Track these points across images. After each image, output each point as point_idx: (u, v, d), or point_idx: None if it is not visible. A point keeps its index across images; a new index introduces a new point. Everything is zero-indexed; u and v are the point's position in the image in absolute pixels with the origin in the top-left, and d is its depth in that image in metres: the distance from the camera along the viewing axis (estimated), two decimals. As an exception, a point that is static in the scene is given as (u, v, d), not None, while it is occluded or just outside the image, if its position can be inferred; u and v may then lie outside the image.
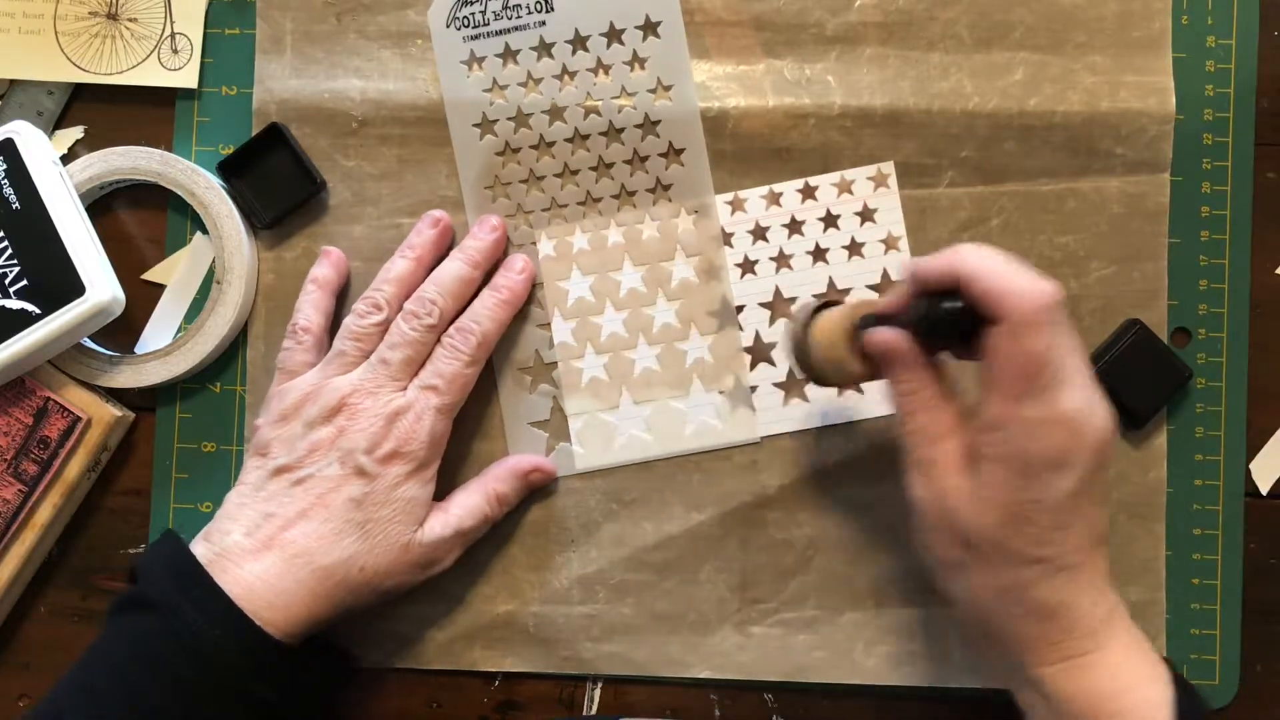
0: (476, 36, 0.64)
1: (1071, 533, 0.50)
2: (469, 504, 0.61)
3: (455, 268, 0.62)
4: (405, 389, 0.59)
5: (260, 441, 0.60)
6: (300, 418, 0.59)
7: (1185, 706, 0.50)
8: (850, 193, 0.64)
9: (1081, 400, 0.50)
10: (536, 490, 0.64)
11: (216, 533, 0.58)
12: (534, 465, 0.63)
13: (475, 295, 0.62)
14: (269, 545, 0.57)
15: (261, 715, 0.55)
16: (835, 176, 0.64)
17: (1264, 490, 0.65)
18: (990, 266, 0.51)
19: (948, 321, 0.52)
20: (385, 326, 0.60)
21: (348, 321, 0.60)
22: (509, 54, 0.64)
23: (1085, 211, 0.64)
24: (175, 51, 0.65)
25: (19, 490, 0.62)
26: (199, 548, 0.57)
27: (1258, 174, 0.65)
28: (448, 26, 0.64)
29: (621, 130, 0.64)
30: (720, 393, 0.64)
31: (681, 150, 0.64)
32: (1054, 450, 0.50)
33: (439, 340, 0.60)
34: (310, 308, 0.62)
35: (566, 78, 0.64)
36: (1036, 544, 0.50)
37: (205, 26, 0.66)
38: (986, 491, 0.51)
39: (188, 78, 0.65)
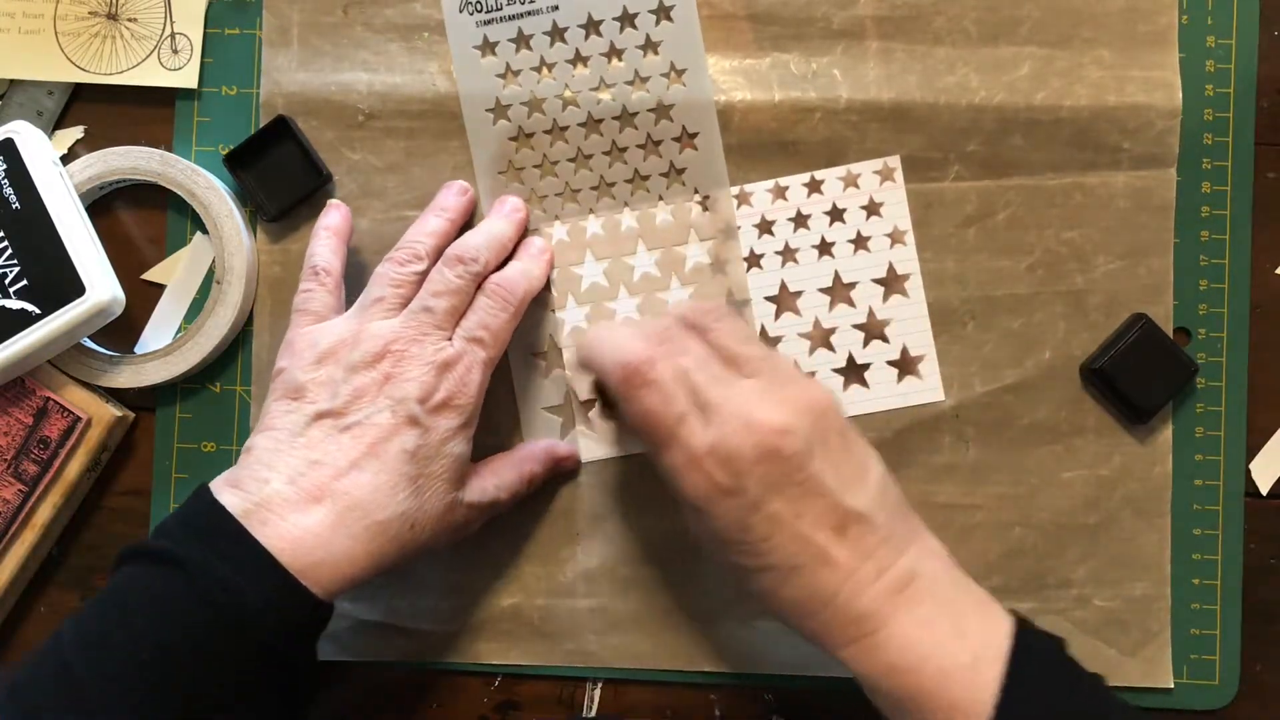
0: (489, 22, 0.64)
1: (781, 538, 0.52)
2: (506, 478, 0.61)
3: (498, 225, 0.62)
4: (451, 339, 0.58)
5: (291, 384, 0.57)
6: (340, 361, 0.56)
7: (1016, 662, 0.50)
8: (856, 186, 0.64)
9: (710, 436, 0.52)
10: (548, 480, 0.64)
11: (250, 480, 0.54)
12: (569, 453, 0.64)
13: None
14: (318, 496, 0.53)
15: (284, 672, 0.53)
16: (841, 170, 0.64)
17: (1264, 490, 0.65)
18: (590, 351, 0.57)
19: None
20: (423, 277, 0.59)
21: (384, 269, 0.59)
22: (522, 39, 0.64)
23: (1091, 206, 0.64)
24: (175, 51, 0.65)
25: (19, 490, 0.62)
26: (228, 497, 0.53)
27: (1258, 174, 0.65)
28: (461, 12, 0.64)
29: (635, 115, 0.64)
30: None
31: (695, 134, 0.64)
32: (701, 488, 0.53)
33: (478, 292, 0.59)
34: (328, 251, 0.61)
35: (580, 63, 0.64)
36: (751, 557, 0.53)
37: (205, 26, 0.66)
38: (695, 527, 0.55)
39: (188, 78, 0.65)
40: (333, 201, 0.63)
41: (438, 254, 0.60)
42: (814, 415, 0.53)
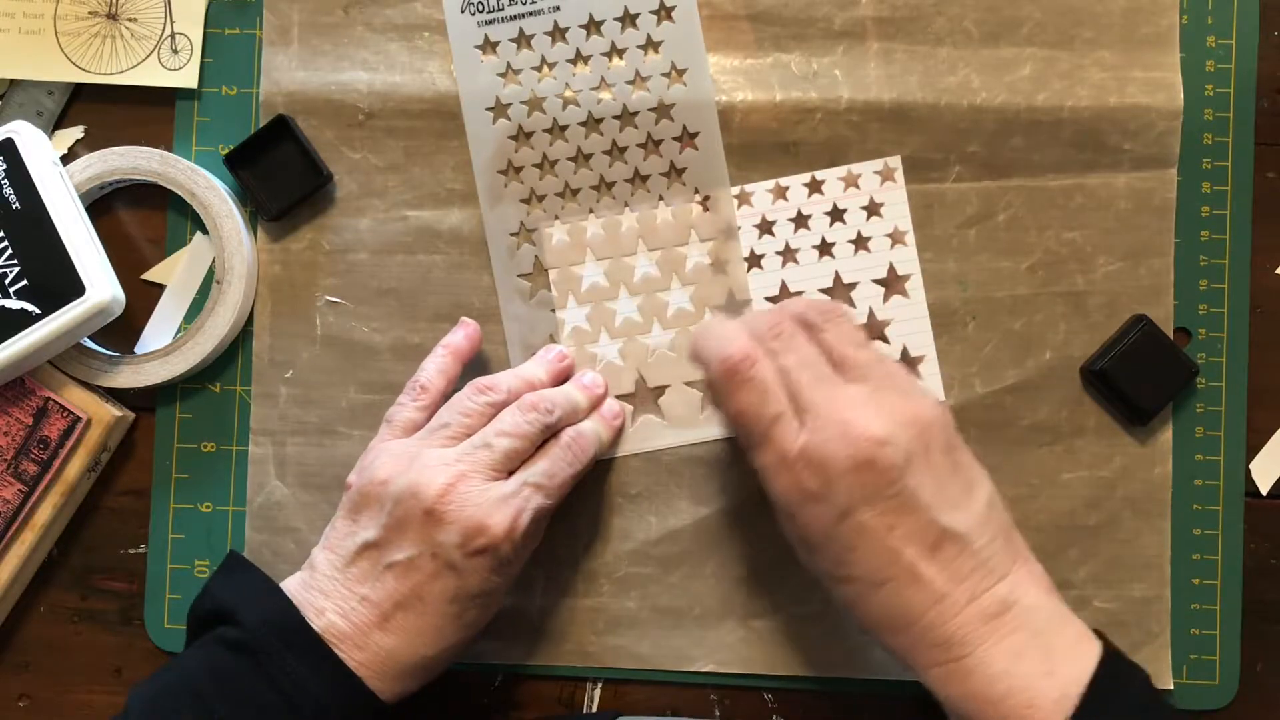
0: (490, 21, 0.64)
1: (867, 550, 0.51)
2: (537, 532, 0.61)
3: (578, 395, 0.61)
4: (504, 479, 0.57)
5: (351, 503, 0.57)
6: (390, 488, 0.56)
7: (1093, 702, 0.49)
8: (857, 187, 0.64)
9: (803, 439, 0.52)
10: None
11: (309, 607, 0.55)
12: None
13: None
14: (367, 633, 0.55)
15: None
16: (842, 171, 0.64)
17: (1264, 490, 0.65)
18: (697, 344, 0.56)
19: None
20: (497, 410, 0.59)
21: (461, 394, 0.59)
22: (523, 39, 0.64)
23: (1092, 207, 0.64)
24: (175, 51, 0.65)
25: (19, 490, 0.62)
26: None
27: (1258, 174, 0.65)
28: (462, 12, 0.64)
29: (635, 114, 0.64)
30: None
31: (695, 134, 0.64)
32: (790, 491, 0.52)
33: (546, 443, 0.59)
34: (435, 369, 0.61)
35: (580, 62, 0.64)
36: (836, 565, 0.53)
37: (205, 26, 0.66)
38: (784, 530, 0.55)
39: (188, 78, 0.65)
40: (465, 321, 0.64)
41: (519, 395, 0.59)
42: (918, 428, 0.52)
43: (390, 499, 0.56)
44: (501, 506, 0.55)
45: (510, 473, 0.57)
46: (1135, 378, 0.62)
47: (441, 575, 0.55)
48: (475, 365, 0.64)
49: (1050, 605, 0.52)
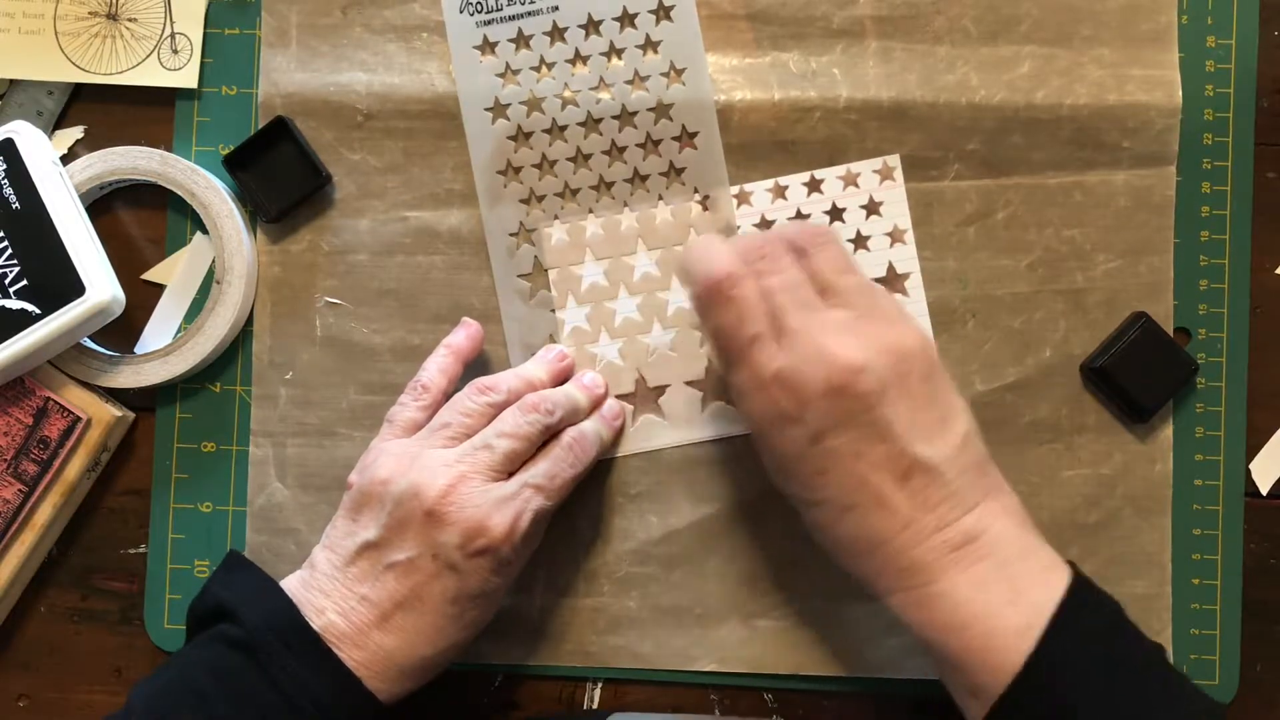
0: (489, 22, 0.64)
1: (837, 474, 0.52)
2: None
3: (579, 395, 0.61)
4: (505, 479, 0.57)
5: (352, 502, 0.58)
6: (390, 488, 0.56)
7: (1061, 627, 0.49)
8: (856, 186, 0.64)
9: (780, 360, 0.52)
10: None
11: (309, 606, 0.55)
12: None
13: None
14: (366, 633, 0.55)
15: None
16: (841, 169, 0.64)
17: (1264, 490, 0.65)
18: (684, 262, 0.56)
19: None
20: (498, 410, 0.59)
21: (463, 394, 0.59)
22: (522, 39, 0.64)
23: (1091, 205, 0.64)
24: (175, 51, 0.65)
25: (19, 490, 0.62)
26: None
27: (1258, 174, 0.65)
28: (461, 12, 0.64)
29: (634, 114, 0.64)
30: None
31: (695, 134, 0.64)
32: (764, 412, 0.53)
33: (547, 443, 0.59)
34: (436, 369, 0.61)
35: (579, 62, 0.64)
36: (805, 489, 0.54)
37: (205, 26, 0.66)
38: (756, 445, 0.56)
39: (188, 78, 0.65)
40: (467, 321, 0.64)
41: (520, 395, 0.59)
42: (896, 357, 0.52)
43: (391, 499, 0.56)
44: (502, 508, 0.55)
45: (511, 473, 0.57)
46: (1135, 375, 0.62)
47: (442, 576, 0.55)
48: (475, 365, 0.64)
49: (1020, 536, 0.52)
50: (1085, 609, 0.51)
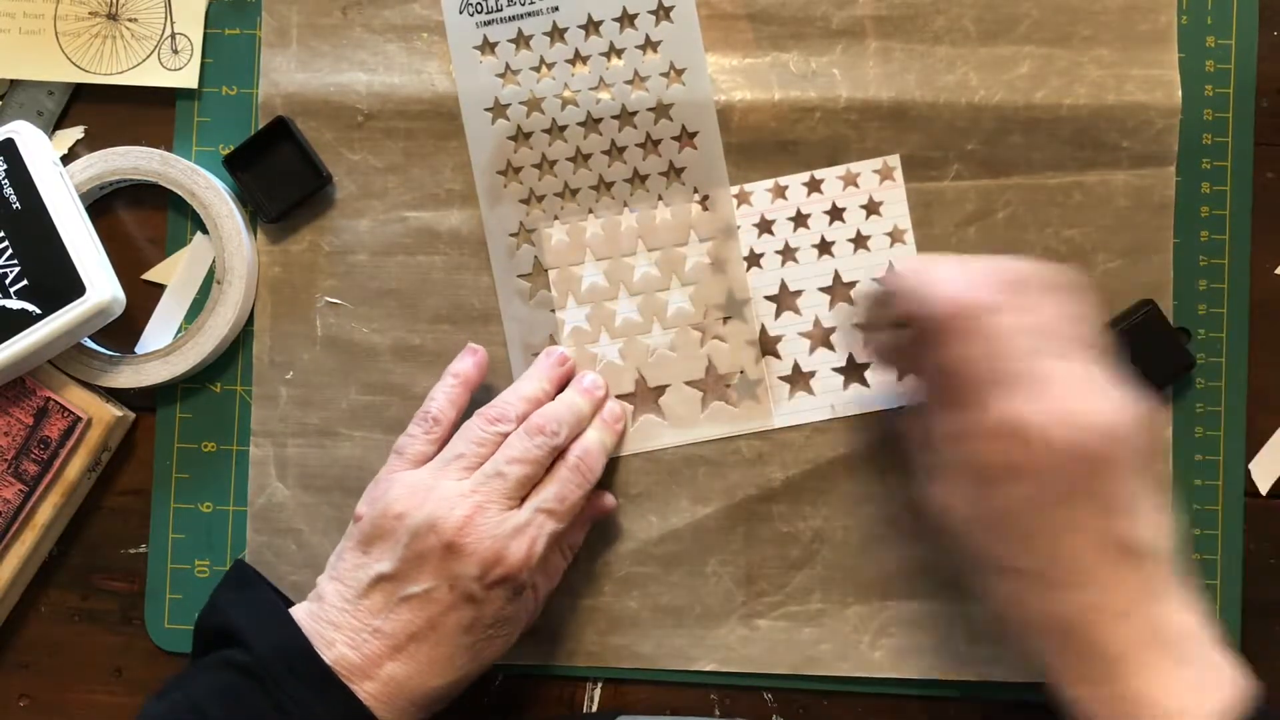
0: (489, 22, 0.64)
1: (1045, 543, 0.49)
2: (553, 572, 0.61)
3: (580, 402, 0.61)
4: (519, 506, 0.57)
5: (363, 535, 0.57)
6: (406, 522, 0.56)
7: None
8: (856, 186, 0.64)
9: (1026, 410, 0.48)
10: None
11: (318, 637, 0.55)
12: (601, 510, 0.63)
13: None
14: (378, 664, 0.55)
15: None
16: (841, 169, 0.64)
17: (1264, 490, 0.65)
18: (915, 279, 0.51)
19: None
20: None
21: (472, 423, 0.59)
22: (521, 39, 0.64)
23: (1091, 205, 0.64)
24: (175, 51, 0.65)
25: (19, 490, 0.62)
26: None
27: (1258, 174, 0.65)
28: (460, 12, 0.64)
29: (634, 114, 0.64)
30: (727, 385, 0.64)
31: (694, 134, 0.64)
32: (988, 460, 0.49)
33: (554, 464, 0.59)
34: (445, 399, 0.61)
35: (579, 62, 0.64)
36: (1007, 552, 0.50)
37: (205, 26, 0.66)
38: (954, 499, 0.51)
39: (188, 78, 0.65)
40: (474, 347, 0.63)
41: (525, 419, 0.59)
42: (1144, 431, 0.49)
43: (407, 532, 0.55)
44: (518, 536, 0.56)
45: (522, 499, 0.57)
46: (1132, 357, 0.62)
47: (459, 606, 0.55)
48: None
49: (1202, 633, 0.49)
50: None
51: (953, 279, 0.51)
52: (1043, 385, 0.49)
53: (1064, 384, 0.49)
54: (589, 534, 0.64)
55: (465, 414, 0.60)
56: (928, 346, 0.51)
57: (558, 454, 0.59)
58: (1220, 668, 0.48)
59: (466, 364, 0.62)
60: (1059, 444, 0.48)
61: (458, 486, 0.56)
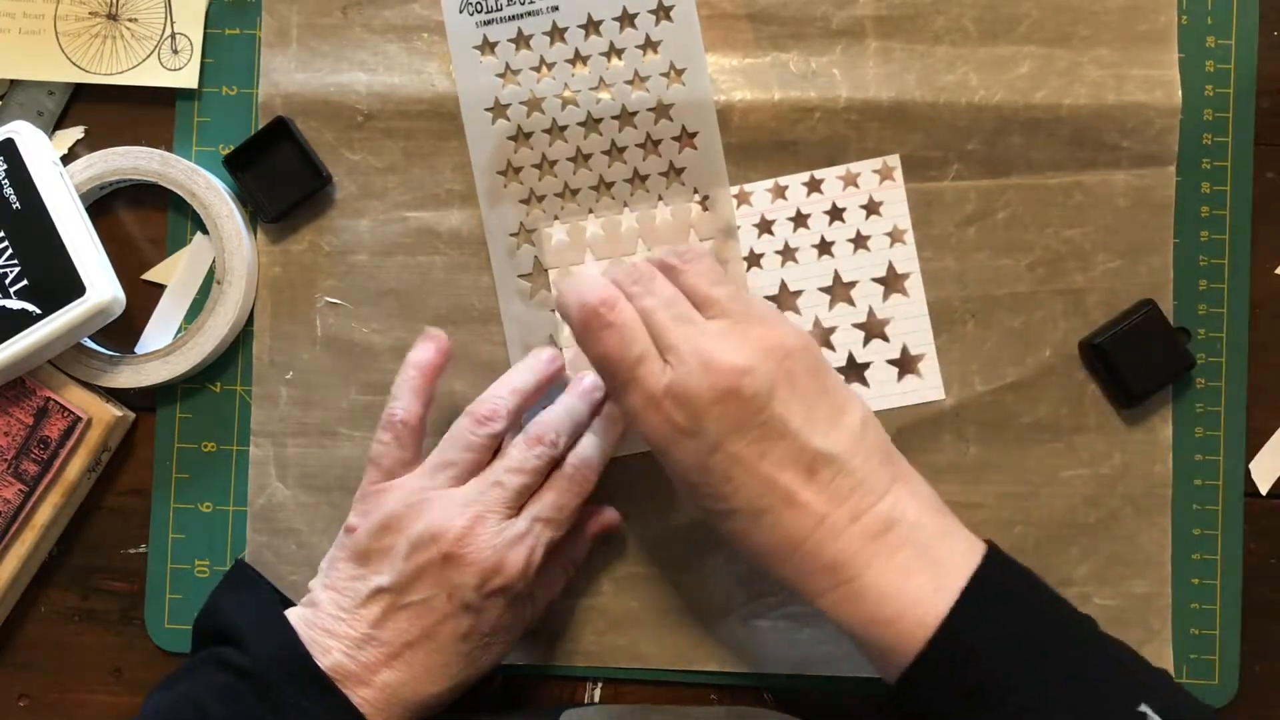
0: (489, 22, 0.64)
1: (743, 479, 0.51)
2: (553, 583, 0.62)
3: (578, 406, 0.61)
4: (516, 515, 0.57)
5: (358, 549, 0.57)
6: (404, 534, 0.56)
7: (970, 594, 0.49)
8: (856, 186, 0.64)
9: (668, 377, 0.52)
10: None
11: (314, 645, 0.55)
12: (605, 525, 0.63)
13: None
14: (374, 671, 0.55)
15: None
16: (841, 170, 0.64)
17: (1264, 490, 0.65)
18: (559, 296, 0.56)
19: None
20: (498, 439, 0.59)
21: (461, 425, 0.58)
22: (522, 39, 0.64)
23: (1091, 205, 0.64)
24: (175, 51, 0.65)
25: (19, 490, 0.62)
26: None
27: (1258, 174, 0.65)
28: (460, 12, 0.64)
29: (634, 114, 0.64)
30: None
31: (695, 134, 0.64)
32: (660, 429, 0.52)
33: (552, 472, 0.59)
34: (409, 395, 0.59)
35: (579, 62, 0.64)
36: (715, 500, 0.53)
37: (205, 26, 0.66)
38: (667, 472, 0.55)
39: (188, 78, 0.65)
40: (433, 333, 0.61)
41: (517, 415, 0.59)
42: (780, 355, 0.52)
43: (406, 544, 0.56)
44: (516, 546, 0.56)
45: (520, 507, 0.57)
46: (1132, 358, 0.62)
47: (456, 615, 0.55)
48: (475, 366, 0.64)
49: (936, 519, 0.52)
50: (993, 580, 0.51)
51: (573, 288, 0.54)
52: (675, 350, 0.52)
53: (693, 341, 0.52)
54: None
55: (459, 410, 0.60)
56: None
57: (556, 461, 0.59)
58: (952, 539, 0.52)
59: (427, 352, 0.60)
60: (704, 392, 0.51)
61: (454, 495, 0.57)
